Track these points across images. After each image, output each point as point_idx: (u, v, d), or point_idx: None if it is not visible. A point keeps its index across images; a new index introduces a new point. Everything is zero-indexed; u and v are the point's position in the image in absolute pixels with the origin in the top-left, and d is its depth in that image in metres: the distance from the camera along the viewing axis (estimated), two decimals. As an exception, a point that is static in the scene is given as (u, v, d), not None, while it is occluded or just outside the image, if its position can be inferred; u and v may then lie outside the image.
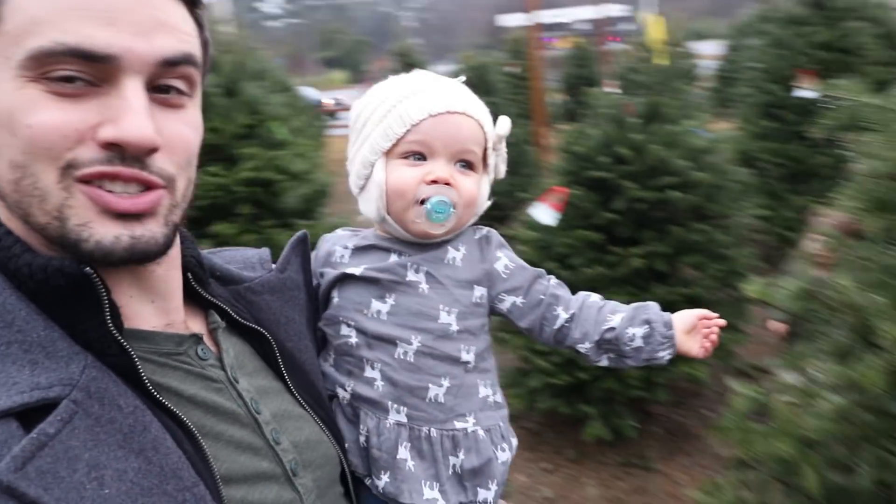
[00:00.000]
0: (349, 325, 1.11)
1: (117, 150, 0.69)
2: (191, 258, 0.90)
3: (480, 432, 1.11)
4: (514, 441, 1.19)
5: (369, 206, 1.13)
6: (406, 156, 1.08)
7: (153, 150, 0.71)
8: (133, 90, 0.69)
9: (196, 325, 0.90)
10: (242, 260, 1.07)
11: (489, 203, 1.18)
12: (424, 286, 1.10)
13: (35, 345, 0.70)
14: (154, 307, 0.84)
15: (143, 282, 0.82)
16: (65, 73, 0.67)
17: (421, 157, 1.07)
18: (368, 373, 1.10)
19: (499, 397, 1.18)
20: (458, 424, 1.10)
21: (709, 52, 19.84)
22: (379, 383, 1.10)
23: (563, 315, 1.16)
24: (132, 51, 0.69)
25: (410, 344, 1.09)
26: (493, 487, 1.11)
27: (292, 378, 0.97)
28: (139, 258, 0.74)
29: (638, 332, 1.12)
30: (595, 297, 1.18)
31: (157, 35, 0.71)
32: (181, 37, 0.74)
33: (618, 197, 3.68)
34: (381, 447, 1.09)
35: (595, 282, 3.65)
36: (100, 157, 0.69)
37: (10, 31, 0.68)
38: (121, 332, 0.74)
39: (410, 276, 1.11)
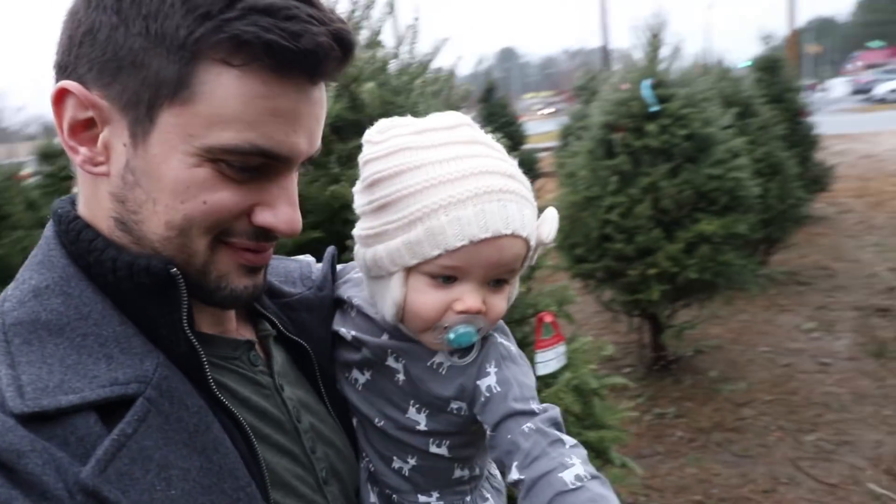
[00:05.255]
0: (337, 382, 1.04)
1: (266, 230, 0.77)
2: None
3: None
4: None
5: (381, 304, 0.96)
6: (433, 276, 0.89)
7: None
8: (292, 183, 0.78)
9: (246, 333, 0.92)
10: (284, 273, 1.05)
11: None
12: (401, 377, 0.98)
13: (110, 339, 0.72)
14: (213, 316, 0.86)
15: None
16: (245, 166, 0.72)
17: (451, 278, 0.90)
18: (353, 420, 1.04)
19: (477, 471, 1.04)
20: (422, 498, 1.01)
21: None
22: (358, 433, 1.04)
23: (514, 473, 0.87)
24: (301, 154, 0.75)
25: (375, 422, 0.99)
26: None
27: (327, 392, 0.99)
28: (252, 301, 0.85)
29: None
30: (567, 474, 0.81)
31: (316, 136, 0.77)
32: (321, 131, 0.80)
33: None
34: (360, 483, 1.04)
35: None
36: (248, 232, 0.76)
37: (202, 112, 0.69)
38: (192, 331, 0.76)
39: (390, 361, 0.99)
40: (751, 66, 9.51)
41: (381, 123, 0.94)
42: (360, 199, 0.94)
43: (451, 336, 0.90)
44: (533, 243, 0.91)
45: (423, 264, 0.88)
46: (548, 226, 0.92)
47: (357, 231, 0.95)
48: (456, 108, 2.43)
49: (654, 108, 5.00)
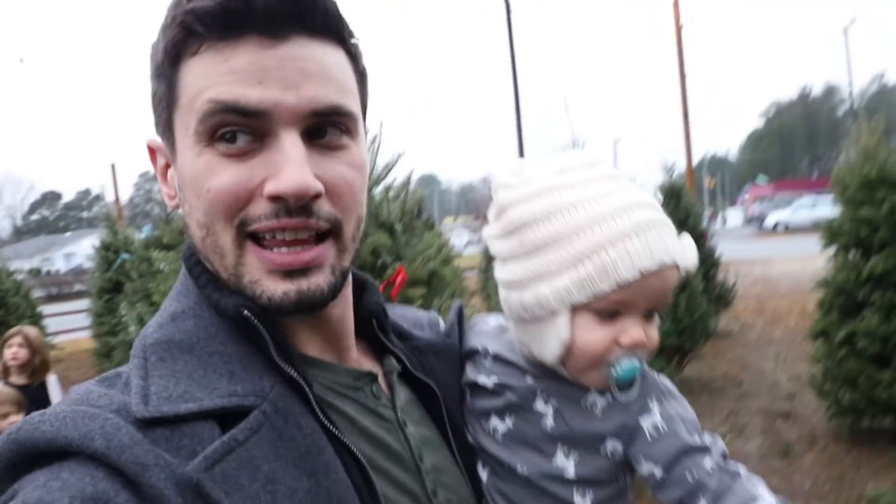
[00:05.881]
0: (467, 430, 1.01)
1: (282, 202, 0.72)
2: (377, 305, 0.93)
3: None
4: None
5: (538, 347, 0.94)
6: (599, 312, 0.89)
7: (316, 196, 0.74)
8: (289, 142, 0.72)
9: (369, 366, 0.91)
10: (413, 319, 1.07)
11: None
12: (549, 421, 0.94)
13: (234, 357, 0.75)
14: (331, 346, 0.87)
15: (320, 324, 0.85)
16: (228, 130, 0.72)
17: (615, 313, 0.89)
18: (479, 470, 0.99)
19: None
20: None
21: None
22: (488, 484, 0.98)
23: None
24: (281, 104, 0.71)
25: (518, 470, 0.95)
26: None
27: (454, 437, 0.95)
28: (307, 309, 0.77)
29: None
30: None
31: (304, 87, 0.73)
32: (330, 86, 0.75)
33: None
34: None
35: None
36: (267, 212, 0.73)
37: (184, 104, 0.74)
38: (292, 363, 0.77)
39: (538, 405, 0.95)
40: (656, 193, 10.48)
41: (512, 167, 0.95)
42: (505, 244, 0.93)
43: (618, 371, 0.89)
44: (682, 272, 0.92)
45: (592, 301, 0.87)
46: (691, 253, 0.92)
47: (505, 276, 0.94)
48: (412, 212, 2.75)
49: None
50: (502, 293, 0.97)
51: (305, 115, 0.73)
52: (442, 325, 1.09)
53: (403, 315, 1.06)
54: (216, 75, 0.71)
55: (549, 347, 0.92)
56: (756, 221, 46.49)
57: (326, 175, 0.75)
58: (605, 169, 0.93)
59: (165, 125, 0.78)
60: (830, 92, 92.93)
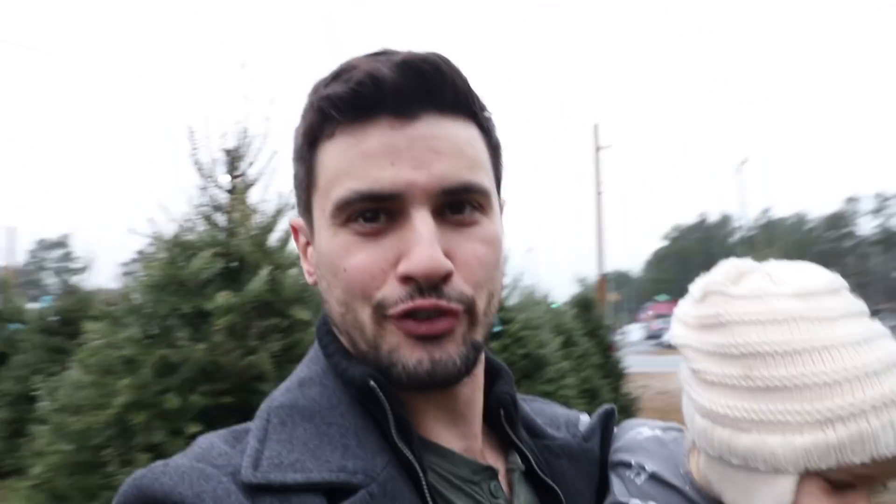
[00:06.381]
0: None
1: (414, 283, 0.71)
2: (507, 395, 0.88)
3: None
4: None
5: (739, 500, 0.81)
6: (833, 482, 0.75)
7: (448, 275, 0.72)
8: (420, 220, 0.72)
9: (492, 460, 0.85)
10: (550, 415, 1.00)
11: None
12: None
13: (350, 431, 0.74)
14: (456, 430, 0.82)
15: (449, 402, 0.81)
16: (364, 213, 0.73)
17: (849, 485, 0.75)
18: None
19: None
20: None
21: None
22: None
23: None
24: (413, 184, 0.72)
25: None
26: None
27: None
28: (440, 381, 0.74)
29: None
30: None
31: (435, 165, 0.73)
32: (461, 163, 0.75)
33: None
34: None
35: None
36: (401, 294, 0.72)
37: (322, 187, 0.76)
38: (409, 444, 0.74)
39: None
40: (569, 303, 10.90)
41: (728, 270, 0.84)
42: (721, 367, 0.79)
43: None
44: None
45: (833, 470, 0.73)
46: None
47: (714, 406, 0.80)
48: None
49: (497, 329, 5.65)
50: (700, 422, 0.83)
51: (436, 194, 0.73)
52: (583, 425, 1.01)
53: (541, 410, 1.00)
54: (349, 159, 0.73)
55: None
56: (656, 337, 48.43)
57: (457, 251, 0.74)
58: (851, 299, 0.80)
59: (305, 206, 0.82)
60: (725, 220, 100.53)
